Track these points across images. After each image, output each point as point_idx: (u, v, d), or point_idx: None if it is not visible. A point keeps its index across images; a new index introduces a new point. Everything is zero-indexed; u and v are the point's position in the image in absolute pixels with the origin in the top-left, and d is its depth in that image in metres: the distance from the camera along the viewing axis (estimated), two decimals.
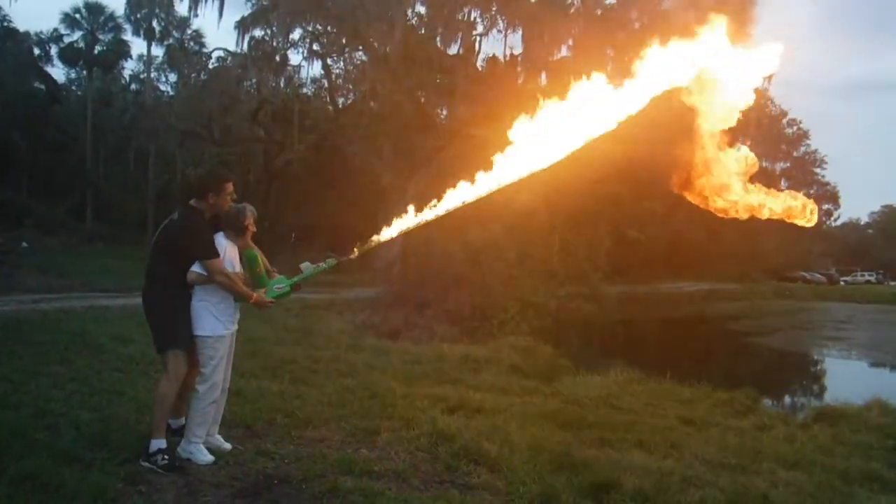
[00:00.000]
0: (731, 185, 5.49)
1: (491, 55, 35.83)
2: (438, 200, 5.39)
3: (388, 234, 5.44)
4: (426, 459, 5.37)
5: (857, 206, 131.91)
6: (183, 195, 5.20)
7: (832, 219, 76.76)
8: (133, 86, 47.13)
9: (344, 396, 7.13)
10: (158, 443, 4.68)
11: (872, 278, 72.30)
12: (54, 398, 5.97)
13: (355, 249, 5.36)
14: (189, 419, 4.86)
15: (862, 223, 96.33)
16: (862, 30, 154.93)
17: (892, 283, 69.22)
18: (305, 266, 5.22)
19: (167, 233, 4.90)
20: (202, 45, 42.08)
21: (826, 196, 71.68)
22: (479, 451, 5.48)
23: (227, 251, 4.92)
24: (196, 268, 4.76)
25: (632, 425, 7.29)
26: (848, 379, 17.28)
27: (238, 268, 4.98)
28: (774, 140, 60.93)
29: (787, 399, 14.87)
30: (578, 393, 9.23)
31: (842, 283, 66.80)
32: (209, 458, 4.79)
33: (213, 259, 4.77)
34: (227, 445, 5.09)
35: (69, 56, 39.16)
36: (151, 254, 4.95)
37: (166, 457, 4.62)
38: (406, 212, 5.46)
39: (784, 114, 62.19)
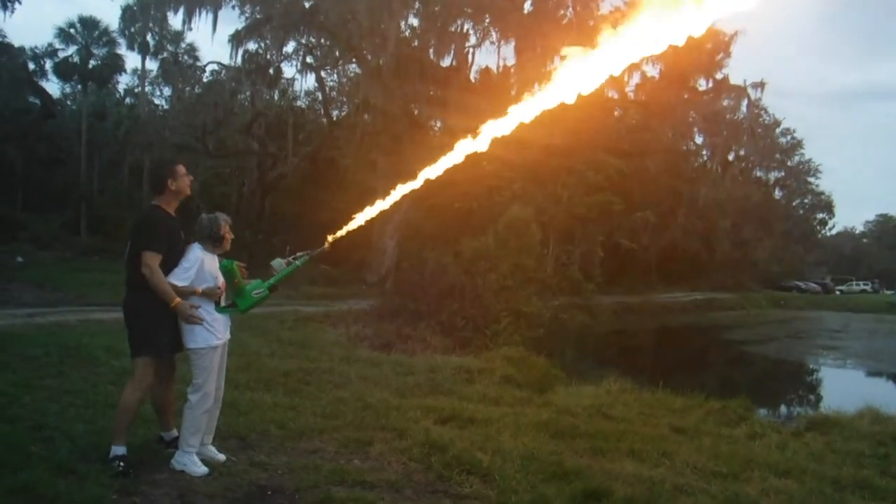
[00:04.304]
0: None
1: (484, 66, 36.22)
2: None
3: (357, 222, 5.33)
4: (419, 469, 5.40)
5: (852, 215, 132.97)
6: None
7: (827, 228, 77.10)
8: (128, 100, 47.20)
9: (337, 408, 7.15)
10: (118, 449, 4.72)
11: (868, 287, 72.50)
12: (49, 411, 6.00)
13: (328, 240, 5.21)
14: (182, 429, 4.89)
15: (857, 232, 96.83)
16: (857, 38, 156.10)
17: (888, 293, 69.42)
18: (277, 263, 5.10)
19: (131, 237, 4.93)
20: (196, 58, 42.25)
21: (821, 205, 72.02)
22: (472, 461, 5.51)
23: (205, 263, 4.91)
24: (171, 279, 4.75)
25: (624, 434, 7.31)
26: (842, 388, 17.34)
27: (220, 280, 4.96)
28: (768, 149, 61.27)
29: (780, 408, 14.91)
30: (571, 403, 9.25)
31: (837, 292, 67.00)
32: (203, 469, 4.82)
33: (150, 252, 4.71)
34: (221, 456, 5.11)
35: (64, 70, 39.17)
36: (126, 262, 4.93)
37: (122, 464, 4.64)
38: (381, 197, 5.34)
39: (778, 123, 62.58)
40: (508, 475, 5.29)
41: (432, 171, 5.09)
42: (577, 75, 4.45)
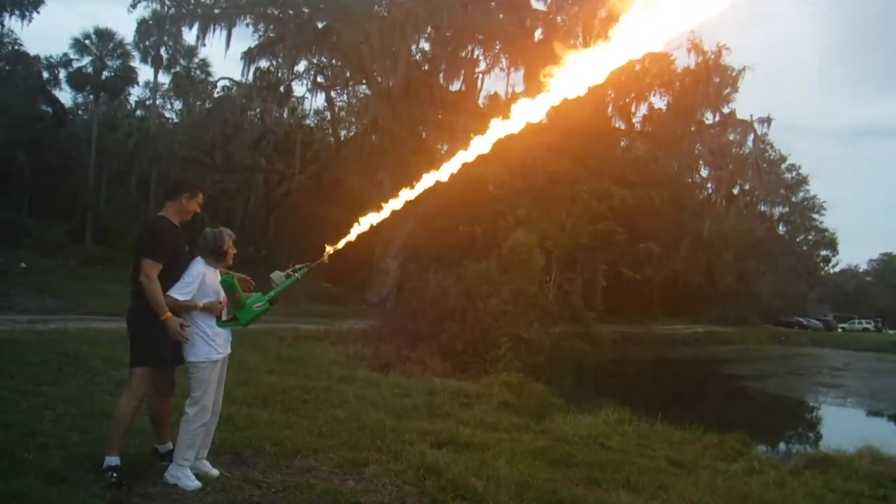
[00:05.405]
0: None
1: (493, 92, 36.36)
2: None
3: (356, 231, 5.32)
4: (413, 493, 5.37)
5: (855, 253, 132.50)
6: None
7: (830, 265, 76.95)
8: (139, 112, 47.53)
9: (333, 427, 7.12)
10: (111, 459, 4.71)
11: (870, 326, 72.14)
12: (45, 419, 6.00)
13: (326, 252, 5.20)
14: (178, 441, 4.87)
15: (860, 270, 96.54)
16: (865, 75, 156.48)
17: (891, 332, 69.05)
18: (277, 276, 5.08)
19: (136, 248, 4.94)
20: (208, 73, 42.58)
21: (824, 242, 71.95)
22: (467, 486, 5.47)
23: (207, 277, 4.92)
24: (173, 293, 4.77)
25: (620, 465, 7.27)
26: (842, 426, 17.22)
27: (222, 295, 4.96)
28: (773, 184, 61.32)
29: (779, 444, 14.79)
30: (568, 431, 9.18)
31: (839, 329, 66.67)
32: (196, 483, 4.80)
33: (149, 259, 4.71)
34: (215, 472, 5.09)
35: (77, 81, 39.50)
36: (131, 274, 4.94)
37: (115, 475, 4.63)
38: (379, 208, 5.33)
39: (783, 158, 62.72)
40: (503, 502, 5.26)
41: (412, 193, 5.14)
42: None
